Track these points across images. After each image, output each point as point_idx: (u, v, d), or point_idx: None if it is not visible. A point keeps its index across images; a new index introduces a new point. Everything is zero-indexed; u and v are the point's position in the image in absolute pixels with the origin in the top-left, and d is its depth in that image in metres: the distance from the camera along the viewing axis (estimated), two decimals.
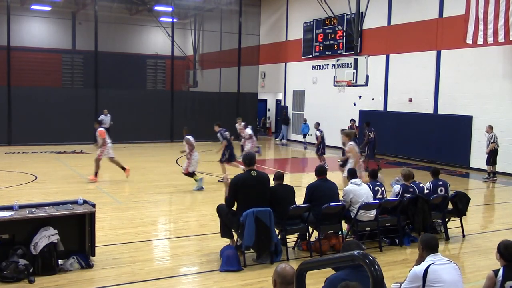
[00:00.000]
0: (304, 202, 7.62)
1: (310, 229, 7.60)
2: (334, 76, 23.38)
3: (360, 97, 22.07)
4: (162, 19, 29.99)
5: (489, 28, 15.27)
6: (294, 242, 7.81)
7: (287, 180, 9.23)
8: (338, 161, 12.76)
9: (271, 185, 7.35)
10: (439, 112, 18.58)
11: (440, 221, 8.74)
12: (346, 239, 7.78)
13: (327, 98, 23.98)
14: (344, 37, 22.76)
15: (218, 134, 13.84)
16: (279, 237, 7.30)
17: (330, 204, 7.46)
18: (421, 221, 8.07)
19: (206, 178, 13.80)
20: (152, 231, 8.94)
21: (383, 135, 17.75)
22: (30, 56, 29.60)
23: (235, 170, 13.89)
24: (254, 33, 28.11)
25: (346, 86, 22.56)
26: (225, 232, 7.34)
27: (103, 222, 8.65)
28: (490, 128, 15.29)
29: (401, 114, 19.96)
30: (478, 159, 16.41)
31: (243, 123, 17.19)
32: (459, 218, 8.76)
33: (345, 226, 8.12)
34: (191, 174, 12.21)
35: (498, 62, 16.47)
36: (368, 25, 21.59)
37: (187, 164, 12.15)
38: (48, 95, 22.48)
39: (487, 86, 16.73)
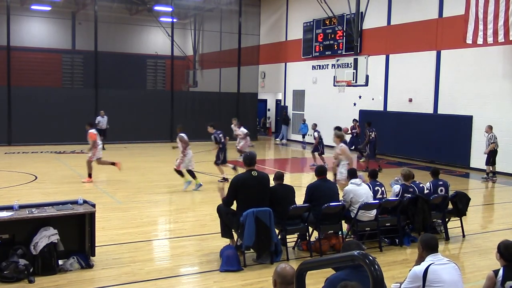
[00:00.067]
0: (304, 202, 7.62)
1: (310, 229, 7.60)
2: (334, 76, 23.38)
3: (360, 97, 22.07)
4: (162, 19, 29.99)
5: (489, 28, 15.27)
6: (294, 242, 7.81)
7: (287, 180, 9.23)
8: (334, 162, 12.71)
9: (271, 185, 7.36)
10: (439, 112, 18.58)
11: (440, 221, 8.74)
12: (346, 239, 7.79)
13: (327, 98, 23.98)
14: (344, 37, 22.76)
15: (212, 137, 13.86)
16: (279, 237, 7.30)
17: (330, 204, 7.46)
18: (421, 221, 8.07)
19: (206, 178, 13.82)
20: (152, 231, 8.94)
21: (383, 135, 17.74)
22: (30, 56, 29.60)
23: (228, 170, 13.99)
24: (254, 33, 28.11)
25: (346, 86, 22.55)
26: (225, 232, 7.35)
27: (103, 222, 8.65)
28: (490, 129, 15.28)
29: (401, 114, 19.96)
30: (478, 159, 16.41)
31: (238, 123, 17.29)
32: (459, 218, 8.76)
33: (345, 226, 8.12)
34: (181, 173, 12.18)
35: (498, 62, 16.47)
36: (368, 25, 21.59)
37: (179, 161, 12.16)
38: (48, 95, 22.49)
39: (487, 86, 16.73)
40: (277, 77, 28.33)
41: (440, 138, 18.21)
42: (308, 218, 7.51)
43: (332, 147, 20.63)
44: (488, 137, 15.19)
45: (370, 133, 16.43)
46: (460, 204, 8.72)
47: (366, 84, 21.71)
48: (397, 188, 8.41)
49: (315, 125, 18.57)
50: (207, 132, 14.79)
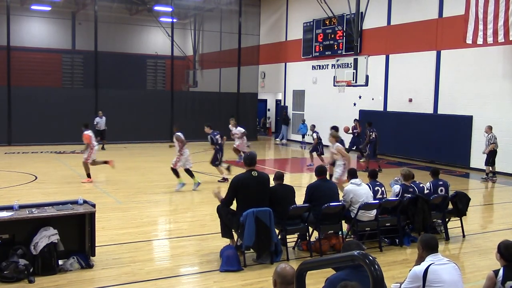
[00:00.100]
0: (304, 202, 7.62)
1: (310, 229, 7.60)
2: (334, 76, 23.38)
3: (360, 97, 22.07)
4: (162, 19, 29.99)
5: (488, 28, 15.27)
6: (294, 242, 7.81)
7: (287, 180, 9.23)
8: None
9: (271, 185, 7.36)
10: (439, 112, 18.58)
11: (440, 221, 8.75)
12: (346, 239, 7.79)
13: (327, 98, 23.98)
14: (344, 37, 22.76)
15: (209, 137, 13.87)
16: (279, 237, 7.30)
17: (330, 204, 7.46)
18: (421, 221, 8.07)
19: (206, 178, 13.82)
20: (152, 231, 8.94)
21: (383, 135, 17.73)
22: (30, 56, 29.60)
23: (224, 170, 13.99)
24: (254, 33, 28.11)
25: (346, 86, 22.56)
26: (225, 232, 7.34)
27: (103, 222, 8.65)
28: (490, 129, 15.28)
29: (401, 114, 19.96)
30: (478, 159, 16.41)
31: (235, 123, 17.28)
32: (459, 218, 8.76)
33: (345, 226, 8.12)
34: (176, 173, 12.18)
35: (498, 62, 16.47)
36: (368, 25, 21.59)
37: (176, 159, 12.17)
38: (48, 95, 22.49)
39: (487, 86, 16.73)
40: (277, 77, 28.33)
41: (440, 138, 18.21)
42: (308, 218, 7.51)
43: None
44: (488, 138, 15.18)
45: (371, 133, 16.42)
46: (460, 204, 8.72)
47: (366, 84, 21.72)
48: (397, 188, 8.41)
49: (313, 126, 18.61)
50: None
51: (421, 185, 8.60)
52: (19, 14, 27.50)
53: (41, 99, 21.83)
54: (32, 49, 29.97)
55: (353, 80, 22.15)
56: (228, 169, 13.83)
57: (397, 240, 8.09)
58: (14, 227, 6.30)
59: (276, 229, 7.15)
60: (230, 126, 17.40)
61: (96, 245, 6.83)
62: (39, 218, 6.37)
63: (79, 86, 30.20)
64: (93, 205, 6.89)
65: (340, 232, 7.98)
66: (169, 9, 27.05)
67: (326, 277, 3.97)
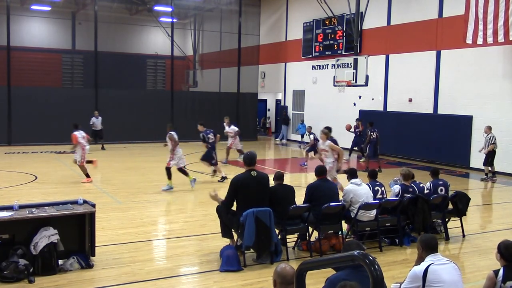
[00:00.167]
0: (304, 202, 7.62)
1: (310, 229, 7.60)
2: (334, 76, 23.38)
3: (360, 97, 22.07)
4: (162, 19, 29.99)
5: (488, 28, 15.27)
6: (294, 242, 7.81)
7: (287, 180, 9.23)
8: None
9: (271, 185, 7.35)
10: (439, 112, 18.58)
11: (440, 221, 8.75)
12: (346, 239, 7.79)
13: (327, 98, 23.98)
14: (344, 37, 22.76)
15: (201, 135, 13.89)
16: (279, 237, 7.30)
17: (330, 204, 7.46)
18: (421, 221, 8.07)
19: (206, 178, 13.81)
20: (152, 231, 8.94)
21: (383, 135, 17.70)
22: (30, 56, 29.60)
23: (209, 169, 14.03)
24: (254, 33, 28.11)
25: (346, 86, 22.56)
26: (225, 232, 7.34)
27: (103, 222, 8.65)
28: (489, 129, 15.26)
29: (401, 114, 19.96)
30: (478, 159, 16.40)
31: (228, 122, 17.25)
32: (459, 218, 8.76)
33: (345, 226, 8.12)
34: (169, 173, 12.18)
35: (498, 62, 16.47)
36: (368, 25, 21.59)
37: (169, 158, 12.18)
38: (48, 95, 22.49)
39: (487, 86, 16.73)
40: (277, 77, 28.33)
41: (440, 138, 18.20)
42: (308, 218, 7.51)
43: None
44: (487, 138, 15.16)
45: (371, 133, 16.41)
46: (460, 204, 8.72)
47: (366, 84, 21.72)
48: (396, 188, 8.41)
49: (310, 128, 18.61)
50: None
51: (421, 185, 8.60)
52: (19, 14, 27.49)
53: (41, 99, 21.83)
54: (32, 49, 29.96)
55: (353, 80, 22.15)
56: (214, 172, 13.77)
57: (397, 240, 8.09)
58: (14, 227, 6.30)
59: (276, 229, 7.15)
60: (224, 124, 17.43)
61: (96, 245, 6.83)
62: (39, 218, 6.37)
63: (79, 86, 30.20)
64: (93, 205, 6.89)
65: (340, 232, 7.98)
66: (169, 9, 27.05)
67: (326, 277, 3.97)
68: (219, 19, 30.78)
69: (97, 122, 20.50)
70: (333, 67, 23.52)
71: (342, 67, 22.86)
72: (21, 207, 6.52)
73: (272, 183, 7.44)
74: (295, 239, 7.83)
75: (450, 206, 8.80)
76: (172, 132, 12.30)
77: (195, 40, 34.75)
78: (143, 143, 22.88)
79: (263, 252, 6.97)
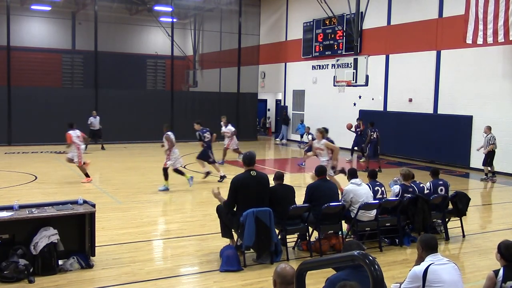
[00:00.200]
0: (304, 202, 7.62)
1: (310, 229, 7.60)
2: (334, 76, 23.38)
3: (360, 97, 22.07)
4: (162, 19, 29.99)
5: (488, 28, 15.27)
6: (294, 242, 7.81)
7: (287, 180, 9.23)
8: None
9: (271, 185, 7.35)
10: (439, 112, 18.58)
11: (440, 221, 8.74)
12: (346, 239, 7.79)
13: (327, 98, 23.98)
14: (344, 37, 22.76)
15: (197, 134, 13.89)
16: (279, 237, 7.30)
17: (330, 204, 7.46)
18: (421, 221, 8.07)
19: (208, 178, 13.80)
20: (152, 231, 8.94)
21: (383, 135, 17.71)
22: (30, 56, 29.59)
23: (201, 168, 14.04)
24: (254, 33, 28.11)
25: (346, 86, 22.55)
26: (225, 232, 7.34)
27: (103, 222, 8.65)
28: (489, 129, 15.26)
29: (401, 114, 19.96)
30: (478, 159, 16.39)
31: (225, 122, 17.19)
32: (459, 218, 8.76)
33: (345, 226, 8.12)
34: (166, 174, 12.16)
35: (498, 62, 16.47)
36: (368, 25, 21.59)
37: (166, 159, 12.17)
38: (48, 95, 22.48)
39: (487, 86, 16.73)
40: (277, 77, 28.33)
41: (440, 138, 18.20)
42: (308, 218, 7.51)
43: None
44: (487, 138, 15.15)
45: (372, 133, 16.40)
46: (460, 204, 8.72)
47: (366, 84, 21.72)
48: (396, 188, 8.41)
49: (308, 128, 18.59)
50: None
51: (421, 185, 8.60)
52: (19, 14, 27.49)
53: (41, 99, 21.82)
54: (32, 49, 29.96)
55: (353, 80, 22.15)
56: (206, 174, 13.72)
57: (397, 240, 8.09)
58: (14, 227, 6.30)
59: (276, 229, 7.15)
60: (221, 123, 17.43)
61: (96, 245, 6.83)
62: (39, 218, 6.37)
63: (79, 86, 30.20)
64: (93, 205, 6.89)
65: (340, 232, 7.98)
66: (169, 9, 27.05)
67: (326, 277, 3.97)
68: (219, 19, 30.78)
69: (95, 121, 20.45)
70: (333, 67, 23.52)
71: (342, 67, 22.86)
72: (21, 207, 6.52)
73: (272, 183, 7.44)
74: (295, 239, 7.83)
75: (450, 206, 8.80)
76: (168, 133, 12.28)
77: (195, 40, 34.75)
78: (143, 143, 22.87)
79: (263, 252, 6.96)
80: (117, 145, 21.80)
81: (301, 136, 24.69)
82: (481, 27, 15.45)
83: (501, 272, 4.65)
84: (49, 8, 29.36)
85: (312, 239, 7.66)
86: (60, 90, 26.08)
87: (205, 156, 13.82)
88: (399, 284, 4.56)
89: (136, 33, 33.72)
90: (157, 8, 28.84)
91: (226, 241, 7.36)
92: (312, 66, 25.13)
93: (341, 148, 21.85)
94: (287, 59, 27.29)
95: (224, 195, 7.18)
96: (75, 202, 6.88)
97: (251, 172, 7.00)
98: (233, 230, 7.23)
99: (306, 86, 25.69)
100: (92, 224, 6.73)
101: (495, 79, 16.50)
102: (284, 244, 7.35)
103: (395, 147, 19.99)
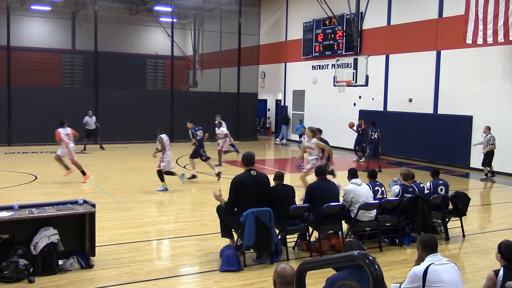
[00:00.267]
0: (304, 202, 7.62)
1: (310, 229, 7.60)
2: (334, 76, 23.38)
3: (360, 97, 22.07)
4: (162, 19, 29.98)
5: (488, 28, 15.27)
6: (294, 242, 7.81)
7: (287, 180, 9.23)
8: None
9: (271, 185, 7.35)
10: (439, 112, 18.58)
11: (440, 221, 8.75)
12: (346, 239, 7.79)
13: (327, 98, 23.98)
14: (344, 37, 22.76)
15: (190, 132, 13.90)
16: (279, 237, 7.30)
17: (330, 204, 7.46)
18: (421, 221, 8.07)
19: (206, 178, 13.81)
20: (152, 231, 8.93)
21: (383, 135, 17.73)
22: (30, 56, 29.59)
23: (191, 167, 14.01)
24: (254, 33, 28.10)
25: (346, 86, 22.55)
26: (225, 232, 7.34)
27: (103, 222, 8.65)
28: (488, 129, 15.25)
29: (401, 114, 19.96)
30: (478, 159, 16.39)
31: (218, 122, 17.07)
32: (459, 218, 8.76)
33: (345, 226, 8.12)
34: (161, 175, 12.16)
35: (498, 62, 16.47)
36: (368, 25, 21.59)
37: (160, 161, 12.17)
38: (48, 95, 22.48)
39: (487, 86, 16.73)
40: (277, 77, 28.33)
41: (440, 138, 18.20)
42: (308, 218, 7.51)
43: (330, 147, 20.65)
44: (487, 138, 15.15)
45: (373, 133, 16.39)
46: (460, 204, 8.72)
47: (366, 84, 21.71)
48: (396, 188, 8.41)
49: (305, 129, 18.50)
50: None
51: (421, 185, 8.60)
52: (19, 14, 27.49)
53: (41, 99, 21.82)
54: (32, 49, 29.95)
55: (353, 80, 22.14)
56: (193, 177, 13.68)
57: (397, 240, 8.09)
58: (14, 227, 6.30)
59: (276, 229, 7.15)
60: (216, 122, 17.35)
61: (96, 245, 6.83)
62: (39, 218, 6.37)
63: (79, 86, 30.19)
64: (93, 205, 6.89)
65: (340, 232, 7.98)
66: (169, 9, 27.05)
67: (326, 277, 3.97)
68: (219, 19, 30.78)
69: (90, 121, 20.32)
70: (333, 67, 23.52)
71: (342, 67, 22.86)
72: (21, 207, 6.52)
73: (272, 183, 7.44)
74: (295, 239, 7.83)
75: (450, 206, 8.80)
76: (161, 136, 12.26)
77: (195, 40, 34.75)
78: (143, 143, 22.84)
79: (263, 252, 6.96)
80: (117, 145, 21.79)
81: (300, 136, 24.68)
82: (481, 27, 15.45)
83: (501, 272, 4.65)
84: (49, 8, 29.36)
85: (312, 239, 7.66)
86: (60, 90, 26.08)
87: (197, 154, 13.85)
88: (399, 284, 4.56)
89: (136, 33, 33.72)
90: (157, 8, 28.83)
91: (226, 241, 7.36)
92: (312, 66, 25.13)
93: (341, 148, 22.03)
94: (287, 59, 27.29)
95: (225, 195, 7.18)
96: (75, 202, 6.88)
97: (251, 172, 7.00)
98: (233, 230, 7.23)
99: (306, 86, 25.69)
100: (92, 224, 6.73)
101: (495, 79, 16.50)
102: (284, 244, 7.35)
103: (395, 147, 19.98)
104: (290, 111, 27.15)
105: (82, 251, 6.70)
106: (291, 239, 7.73)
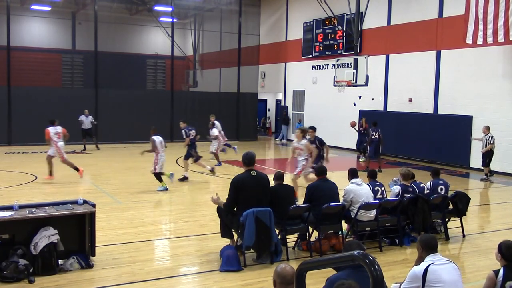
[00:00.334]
0: (304, 202, 7.62)
1: (310, 229, 7.60)
2: (334, 76, 23.38)
3: (360, 97, 22.07)
4: (162, 19, 29.98)
5: (488, 28, 15.27)
6: (294, 242, 7.80)
7: (287, 180, 9.23)
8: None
9: (271, 185, 7.35)
10: (439, 112, 18.58)
11: (440, 221, 8.75)
12: (346, 239, 7.79)
13: (327, 98, 23.98)
14: (344, 37, 22.76)
15: (183, 131, 13.91)
16: (279, 237, 7.30)
17: (330, 204, 7.46)
18: (421, 221, 8.07)
19: (206, 178, 13.81)
20: (152, 231, 8.93)
21: (383, 135, 17.74)
22: (30, 56, 29.59)
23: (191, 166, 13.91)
24: (254, 33, 28.10)
25: (346, 86, 22.55)
26: (225, 232, 7.34)
27: (103, 222, 8.65)
28: (487, 129, 15.24)
29: (401, 114, 19.96)
30: (478, 159, 16.39)
31: (211, 124, 16.97)
32: (459, 218, 8.76)
33: (345, 226, 8.12)
34: (158, 176, 12.14)
35: (498, 62, 16.47)
36: (368, 25, 21.59)
37: (154, 163, 12.14)
38: (48, 95, 22.47)
39: (487, 86, 16.73)
40: (277, 77, 28.32)
41: (440, 138, 18.20)
42: (308, 218, 7.51)
43: (330, 147, 20.67)
44: (486, 138, 15.14)
45: (374, 132, 16.39)
46: (460, 204, 8.72)
47: (366, 84, 21.71)
48: (396, 188, 8.41)
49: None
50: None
51: (421, 185, 8.61)
52: (19, 14, 27.48)
53: (41, 99, 21.81)
54: (32, 49, 29.95)
55: (353, 80, 22.14)
56: (184, 179, 13.59)
57: (397, 240, 8.09)
58: (14, 227, 6.30)
59: (276, 229, 7.15)
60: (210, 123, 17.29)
61: (96, 245, 6.83)
62: (39, 218, 6.37)
63: (79, 86, 30.19)
64: (93, 205, 6.89)
65: (340, 232, 7.98)
66: (169, 9, 27.05)
67: (326, 277, 3.97)
68: (219, 19, 30.77)
69: (86, 120, 20.20)
70: (333, 67, 23.52)
71: (342, 67, 22.86)
72: (21, 207, 6.52)
73: (272, 183, 7.44)
74: (295, 239, 7.83)
75: (450, 206, 8.79)
76: (154, 137, 12.22)
77: (195, 40, 34.74)
78: (143, 143, 22.74)
79: (263, 252, 6.97)
80: (117, 145, 21.79)
81: None
82: (481, 27, 15.45)
83: (501, 272, 4.65)
84: (49, 8, 29.36)
85: (312, 239, 7.66)
86: (60, 90, 26.08)
87: (190, 155, 13.81)
88: (399, 284, 4.56)
89: (136, 33, 33.71)
90: (157, 8, 28.83)
91: (226, 241, 7.35)
92: (312, 66, 25.13)
93: (341, 148, 22.02)
94: (287, 59, 27.29)
95: (224, 197, 7.17)
96: (75, 202, 6.88)
97: (251, 172, 6.99)
98: (233, 230, 7.23)
99: (306, 86, 25.69)
100: (92, 224, 6.73)
101: (495, 79, 16.50)
102: (284, 244, 7.35)
103: (395, 147, 19.98)
104: (290, 111, 27.15)
105: (82, 251, 6.70)
106: (291, 239, 7.73)
